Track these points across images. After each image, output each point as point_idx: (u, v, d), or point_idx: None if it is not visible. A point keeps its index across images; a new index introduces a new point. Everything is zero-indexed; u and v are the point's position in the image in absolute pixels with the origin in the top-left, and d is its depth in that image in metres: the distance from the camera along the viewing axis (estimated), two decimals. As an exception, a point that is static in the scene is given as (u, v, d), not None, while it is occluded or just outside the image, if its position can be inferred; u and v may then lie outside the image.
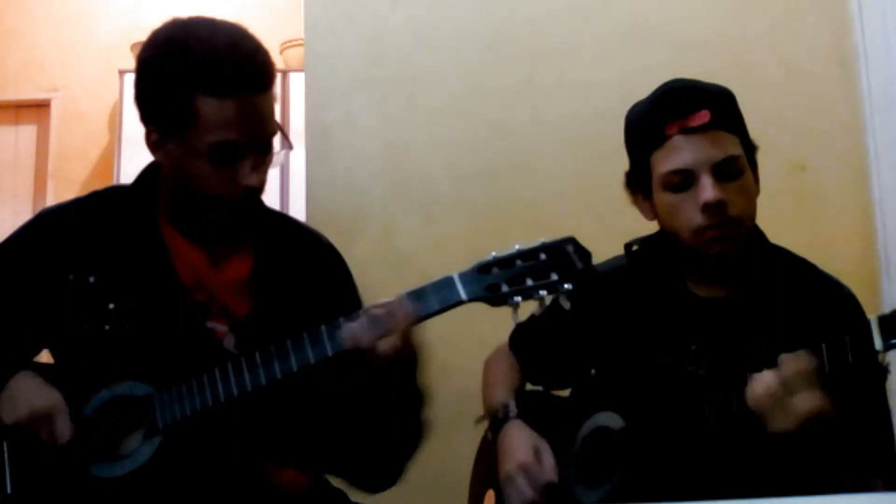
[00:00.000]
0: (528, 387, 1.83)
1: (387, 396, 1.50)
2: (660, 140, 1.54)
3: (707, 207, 1.50)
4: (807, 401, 1.35)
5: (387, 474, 1.62)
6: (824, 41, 2.54)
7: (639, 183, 1.62)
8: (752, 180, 1.57)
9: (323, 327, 1.43)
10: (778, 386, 1.36)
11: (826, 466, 1.40)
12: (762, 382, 1.38)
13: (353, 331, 1.40)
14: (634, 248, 1.66)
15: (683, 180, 1.53)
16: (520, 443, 1.62)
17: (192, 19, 1.55)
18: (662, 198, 1.57)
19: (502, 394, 1.74)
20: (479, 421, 1.78)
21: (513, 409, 1.68)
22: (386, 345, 1.41)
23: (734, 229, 1.53)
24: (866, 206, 2.47)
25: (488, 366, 1.85)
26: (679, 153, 1.53)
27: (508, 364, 1.82)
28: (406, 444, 1.60)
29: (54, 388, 1.47)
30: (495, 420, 1.69)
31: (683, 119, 1.52)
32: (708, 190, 1.50)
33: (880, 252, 2.44)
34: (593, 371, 1.75)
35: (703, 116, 1.52)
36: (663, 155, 1.54)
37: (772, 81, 2.52)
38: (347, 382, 1.47)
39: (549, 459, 1.60)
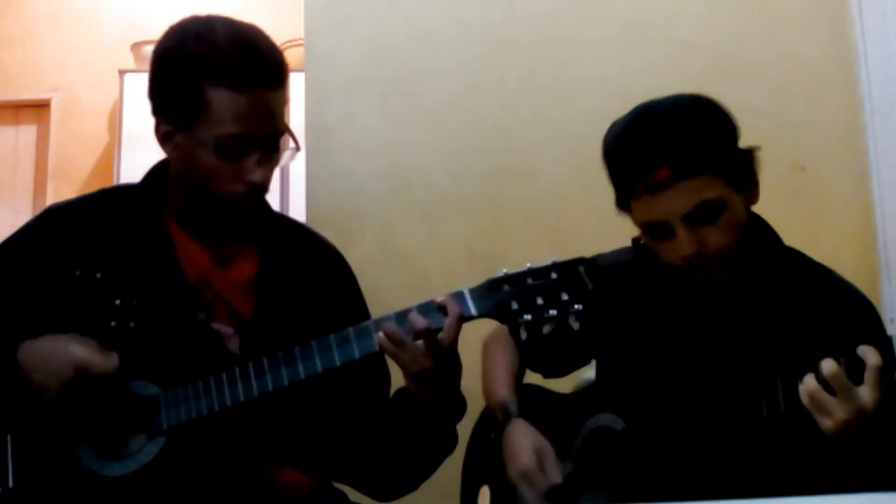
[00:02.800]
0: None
1: (424, 402, 1.49)
2: (631, 193, 1.52)
3: (686, 259, 1.49)
4: (865, 394, 1.30)
5: (406, 483, 1.62)
6: (824, 41, 2.54)
7: (627, 211, 1.59)
8: (735, 209, 1.51)
9: (350, 329, 1.43)
10: (838, 373, 1.31)
11: (868, 465, 1.38)
12: (823, 371, 1.32)
13: (388, 330, 1.41)
14: (642, 241, 1.66)
15: (660, 230, 1.51)
16: (522, 447, 1.61)
17: (209, 16, 1.56)
18: (647, 240, 1.56)
19: (503, 389, 1.74)
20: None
21: (514, 409, 1.68)
22: (426, 346, 1.41)
23: (720, 267, 1.51)
24: (866, 206, 2.47)
25: (488, 350, 1.84)
26: (649, 208, 1.50)
27: (508, 349, 1.81)
28: (435, 453, 1.60)
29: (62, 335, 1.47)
30: (496, 420, 1.69)
31: (645, 178, 1.48)
32: (684, 244, 1.48)
33: (880, 252, 2.44)
34: (593, 362, 1.74)
35: (662, 174, 1.46)
36: (637, 207, 1.52)
37: (772, 81, 2.51)
38: (368, 386, 1.47)
39: (551, 462, 1.59)
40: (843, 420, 1.30)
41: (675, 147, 1.48)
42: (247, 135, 1.49)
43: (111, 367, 1.44)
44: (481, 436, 1.80)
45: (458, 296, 1.43)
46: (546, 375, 1.82)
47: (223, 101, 1.47)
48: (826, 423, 1.32)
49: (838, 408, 1.31)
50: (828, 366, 1.31)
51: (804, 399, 1.33)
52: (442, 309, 1.42)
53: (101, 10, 5.29)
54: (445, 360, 1.44)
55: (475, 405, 1.80)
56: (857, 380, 1.31)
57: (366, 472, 1.61)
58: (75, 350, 1.44)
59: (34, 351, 1.46)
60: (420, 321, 1.41)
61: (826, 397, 1.31)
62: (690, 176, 1.47)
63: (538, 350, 1.78)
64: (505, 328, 1.80)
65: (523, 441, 1.62)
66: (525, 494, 1.58)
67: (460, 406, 1.59)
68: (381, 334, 1.42)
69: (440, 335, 1.41)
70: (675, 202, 1.47)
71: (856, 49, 2.52)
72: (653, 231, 1.52)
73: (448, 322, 1.41)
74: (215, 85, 1.47)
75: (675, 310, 1.60)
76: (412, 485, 1.62)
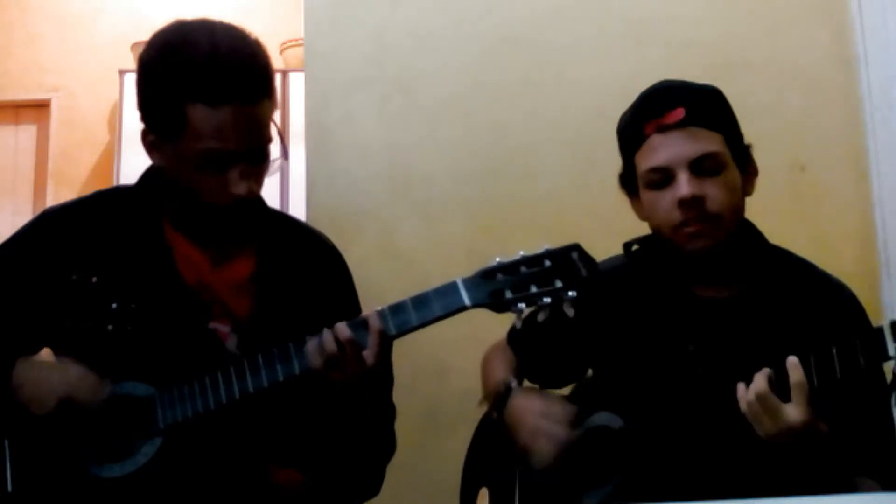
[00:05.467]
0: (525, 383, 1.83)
1: (359, 409, 1.52)
2: (640, 140, 1.57)
3: (683, 203, 1.51)
4: (792, 413, 1.36)
5: (363, 485, 1.64)
6: (824, 41, 2.54)
7: (629, 183, 1.63)
8: (735, 177, 1.57)
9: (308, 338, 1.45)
10: (766, 393, 1.37)
11: (812, 471, 1.40)
12: (752, 388, 1.38)
13: (312, 350, 1.44)
14: (634, 247, 1.67)
15: (662, 177, 1.54)
16: (528, 403, 1.61)
17: (192, 24, 1.54)
18: (645, 195, 1.59)
19: (503, 375, 1.74)
20: (482, 403, 1.77)
21: (514, 384, 1.68)
22: (356, 361, 1.43)
23: (713, 225, 1.53)
24: (866, 206, 2.47)
25: (486, 360, 1.86)
26: (656, 151, 1.54)
27: (506, 358, 1.82)
28: (375, 456, 1.63)
29: (57, 363, 1.49)
30: (498, 397, 1.68)
31: (659, 117, 1.54)
32: (683, 186, 1.51)
33: (880, 252, 2.44)
34: (591, 371, 1.75)
35: (678, 114, 1.53)
36: (643, 154, 1.56)
37: (772, 81, 2.51)
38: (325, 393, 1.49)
39: (560, 403, 1.60)
40: (772, 434, 1.37)
41: (692, 94, 1.57)
42: (227, 150, 1.48)
43: (98, 399, 1.46)
44: (480, 439, 1.80)
45: (451, 287, 1.43)
46: (544, 386, 1.82)
47: (202, 118, 1.46)
48: (759, 432, 1.38)
49: (767, 422, 1.37)
50: (758, 384, 1.37)
51: (742, 406, 1.39)
52: (365, 324, 1.43)
53: (101, 10, 5.29)
54: (369, 374, 1.45)
55: (475, 406, 1.81)
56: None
57: (335, 473, 1.61)
58: (61, 383, 1.45)
59: (27, 372, 1.48)
60: (344, 333, 1.42)
61: (757, 410, 1.37)
62: (702, 125, 1.54)
63: (536, 360, 1.79)
64: (502, 342, 1.83)
65: (528, 400, 1.62)
66: (550, 434, 1.56)
67: (392, 413, 1.65)
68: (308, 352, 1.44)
69: (364, 352, 1.43)
70: (682, 145, 1.52)
71: (856, 49, 2.51)
72: (654, 180, 1.55)
73: (371, 339, 1.43)
74: (194, 102, 1.46)
75: (671, 311, 1.60)
76: (368, 487, 1.64)
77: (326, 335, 1.43)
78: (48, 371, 1.47)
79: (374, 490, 1.66)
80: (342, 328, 1.43)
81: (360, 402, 1.50)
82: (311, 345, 1.44)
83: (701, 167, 1.52)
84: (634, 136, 1.58)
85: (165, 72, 1.49)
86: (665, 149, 1.53)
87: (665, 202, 1.54)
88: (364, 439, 1.58)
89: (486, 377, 1.82)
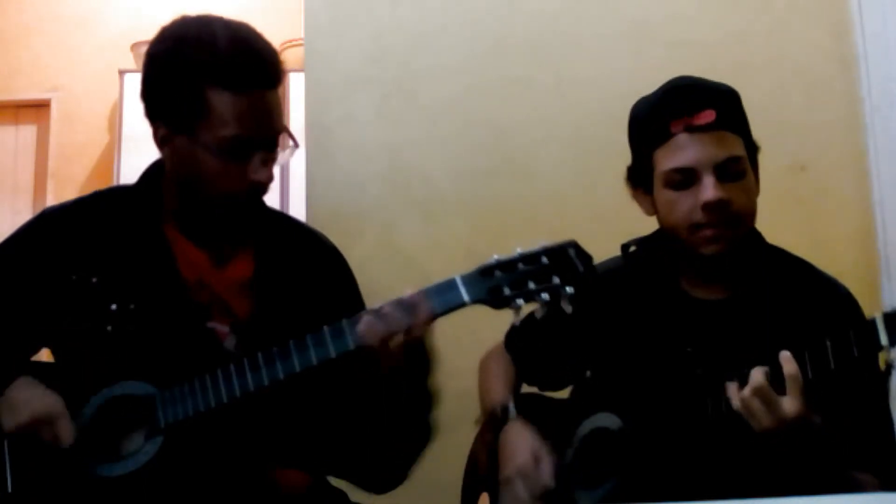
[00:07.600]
0: (524, 388, 1.83)
1: (397, 396, 1.50)
2: (664, 137, 1.55)
3: (708, 206, 1.51)
4: (787, 405, 1.36)
5: (393, 475, 1.63)
6: (824, 41, 2.54)
7: (640, 178, 1.62)
8: (753, 181, 1.57)
9: (344, 321, 1.43)
10: (764, 387, 1.37)
11: (808, 465, 1.40)
12: (750, 383, 1.38)
13: (370, 325, 1.41)
14: (632, 249, 1.67)
15: (685, 178, 1.53)
16: (519, 446, 1.62)
17: (201, 17, 1.56)
18: (663, 194, 1.57)
19: (501, 393, 1.74)
20: (479, 422, 1.78)
21: (512, 410, 1.68)
22: (399, 342, 1.41)
23: (733, 229, 1.53)
24: (866, 206, 2.47)
25: (484, 365, 1.85)
26: (682, 151, 1.53)
27: (504, 364, 1.82)
28: (413, 445, 1.61)
29: (54, 392, 1.47)
30: (495, 421, 1.69)
31: (689, 117, 1.52)
32: (709, 189, 1.51)
33: (880, 252, 2.44)
34: (589, 373, 1.75)
35: (708, 115, 1.52)
36: (666, 152, 1.55)
37: (772, 81, 2.51)
38: (358, 380, 1.47)
39: (547, 464, 1.59)
40: (768, 427, 1.36)
41: (720, 96, 1.56)
42: (250, 136, 1.49)
43: (65, 441, 1.43)
44: (483, 442, 1.80)
45: (450, 283, 1.43)
46: (542, 389, 1.83)
47: (225, 104, 1.47)
48: (755, 426, 1.38)
49: (764, 416, 1.37)
50: (755, 378, 1.37)
51: (734, 403, 1.39)
52: (413, 306, 1.42)
53: (101, 10, 5.29)
54: (417, 356, 1.44)
55: (475, 406, 1.81)
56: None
57: (356, 466, 1.61)
58: (27, 411, 1.43)
59: (11, 390, 1.46)
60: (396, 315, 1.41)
61: (754, 405, 1.37)
62: (729, 129, 1.53)
63: (534, 363, 1.79)
64: (500, 345, 1.83)
65: (521, 441, 1.62)
66: (517, 495, 1.57)
67: (432, 400, 1.59)
68: (362, 328, 1.41)
69: (413, 333, 1.41)
70: (710, 148, 1.52)
71: (856, 49, 2.51)
72: (676, 179, 1.54)
73: (418, 320, 1.41)
74: (216, 88, 1.47)
75: (669, 313, 1.61)
76: (397, 477, 1.62)
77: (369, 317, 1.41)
78: (25, 397, 1.45)
79: (402, 477, 1.63)
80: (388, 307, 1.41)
81: (395, 389, 1.49)
82: (364, 324, 1.42)
83: (725, 171, 1.52)
84: (658, 132, 1.56)
85: (185, 59, 1.50)
86: (692, 150, 1.52)
87: (686, 203, 1.53)
88: (395, 427, 1.56)
89: (483, 390, 1.82)
